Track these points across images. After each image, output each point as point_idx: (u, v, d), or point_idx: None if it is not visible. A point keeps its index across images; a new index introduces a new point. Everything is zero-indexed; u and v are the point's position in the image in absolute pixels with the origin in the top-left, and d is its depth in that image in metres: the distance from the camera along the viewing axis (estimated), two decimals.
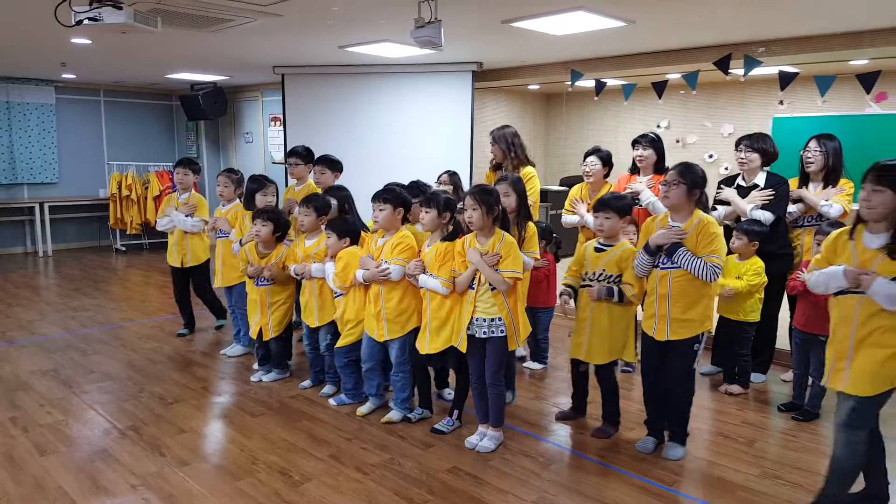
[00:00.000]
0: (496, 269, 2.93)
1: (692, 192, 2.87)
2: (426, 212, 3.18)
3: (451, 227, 3.21)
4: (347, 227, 3.59)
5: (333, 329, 3.69)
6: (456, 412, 3.38)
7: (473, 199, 2.94)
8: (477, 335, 3.03)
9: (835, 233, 2.53)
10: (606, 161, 4.22)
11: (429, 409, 3.51)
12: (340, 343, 3.56)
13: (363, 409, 3.55)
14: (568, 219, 4.29)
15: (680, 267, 2.86)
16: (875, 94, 6.94)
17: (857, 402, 2.36)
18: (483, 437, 3.16)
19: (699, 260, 2.82)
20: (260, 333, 3.99)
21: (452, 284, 3.08)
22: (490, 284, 2.96)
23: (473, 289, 3.01)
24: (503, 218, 3.06)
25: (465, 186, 5.07)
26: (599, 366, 3.28)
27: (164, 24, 4.05)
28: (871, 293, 2.27)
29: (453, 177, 4.62)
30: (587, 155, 4.26)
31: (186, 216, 4.76)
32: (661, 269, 2.93)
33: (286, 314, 3.99)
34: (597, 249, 3.22)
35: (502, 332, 3.00)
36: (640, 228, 3.16)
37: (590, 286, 3.19)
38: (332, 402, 3.70)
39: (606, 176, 4.25)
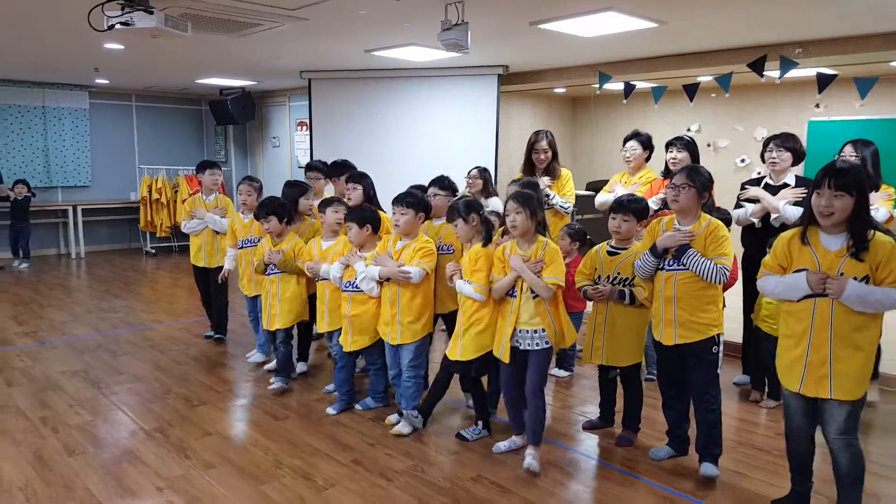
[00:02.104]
0: (538, 276, 2.88)
1: (701, 195, 2.83)
2: (455, 225, 3.18)
3: (483, 229, 3.15)
4: (365, 215, 3.45)
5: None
6: (481, 422, 3.33)
7: (517, 202, 2.90)
8: (521, 347, 2.97)
9: (785, 236, 2.47)
10: (647, 144, 4.15)
11: (425, 416, 3.40)
12: (354, 346, 3.50)
13: (391, 418, 3.49)
14: (602, 198, 4.22)
15: (688, 269, 2.79)
16: None
17: (852, 407, 2.37)
18: (529, 456, 2.98)
19: (709, 262, 2.75)
20: (274, 333, 3.99)
21: (487, 291, 3.03)
22: (532, 292, 2.90)
23: (515, 297, 2.94)
24: (543, 224, 2.99)
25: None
26: (625, 369, 3.22)
27: (193, 28, 4.08)
28: (845, 298, 2.25)
29: (483, 173, 4.54)
30: (626, 140, 4.20)
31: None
32: (667, 270, 2.86)
33: (294, 306, 3.91)
34: (609, 253, 3.17)
35: (547, 343, 2.93)
36: (645, 230, 3.08)
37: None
38: (357, 406, 3.67)
39: (647, 159, 4.17)
